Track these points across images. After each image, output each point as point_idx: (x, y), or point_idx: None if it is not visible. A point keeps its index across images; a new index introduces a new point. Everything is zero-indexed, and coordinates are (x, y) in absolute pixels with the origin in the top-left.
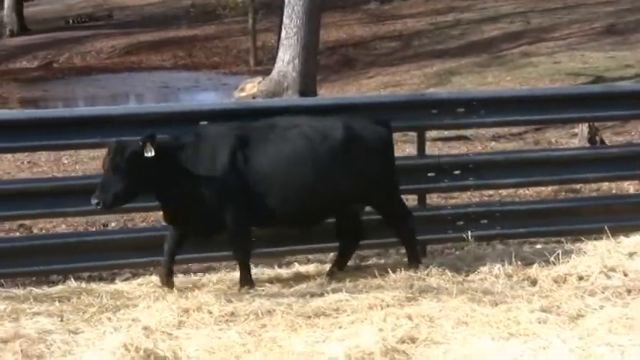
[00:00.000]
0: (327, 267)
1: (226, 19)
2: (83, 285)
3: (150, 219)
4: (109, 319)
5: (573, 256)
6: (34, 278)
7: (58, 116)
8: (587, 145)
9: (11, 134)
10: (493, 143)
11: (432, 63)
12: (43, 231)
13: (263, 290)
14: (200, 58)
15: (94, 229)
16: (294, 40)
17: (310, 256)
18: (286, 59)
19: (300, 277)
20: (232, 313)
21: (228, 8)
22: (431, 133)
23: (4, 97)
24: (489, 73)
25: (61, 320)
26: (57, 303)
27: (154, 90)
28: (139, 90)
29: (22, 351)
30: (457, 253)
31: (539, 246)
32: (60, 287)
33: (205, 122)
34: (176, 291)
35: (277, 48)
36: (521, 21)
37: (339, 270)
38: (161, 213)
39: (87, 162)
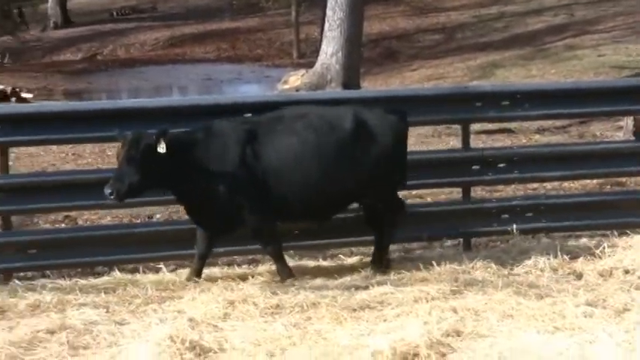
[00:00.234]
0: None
1: (269, 11)
2: (128, 276)
3: None
4: (155, 310)
5: (619, 249)
6: (79, 269)
7: (102, 108)
8: (632, 138)
9: (56, 126)
10: (537, 136)
11: (475, 56)
12: (88, 222)
13: (307, 283)
14: (243, 51)
15: (138, 221)
16: (338, 33)
17: (354, 249)
18: (329, 52)
19: (344, 270)
20: (277, 306)
21: (272, 0)
22: (474, 126)
23: (49, 88)
24: (533, 66)
25: (107, 311)
26: (103, 294)
27: (197, 82)
28: (182, 82)
29: (68, 342)
30: (502, 246)
31: (584, 239)
32: (105, 278)
33: (250, 115)
34: (221, 283)
35: (320, 40)
36: (566, 13)
37: (380, 261)
38: None
39: None
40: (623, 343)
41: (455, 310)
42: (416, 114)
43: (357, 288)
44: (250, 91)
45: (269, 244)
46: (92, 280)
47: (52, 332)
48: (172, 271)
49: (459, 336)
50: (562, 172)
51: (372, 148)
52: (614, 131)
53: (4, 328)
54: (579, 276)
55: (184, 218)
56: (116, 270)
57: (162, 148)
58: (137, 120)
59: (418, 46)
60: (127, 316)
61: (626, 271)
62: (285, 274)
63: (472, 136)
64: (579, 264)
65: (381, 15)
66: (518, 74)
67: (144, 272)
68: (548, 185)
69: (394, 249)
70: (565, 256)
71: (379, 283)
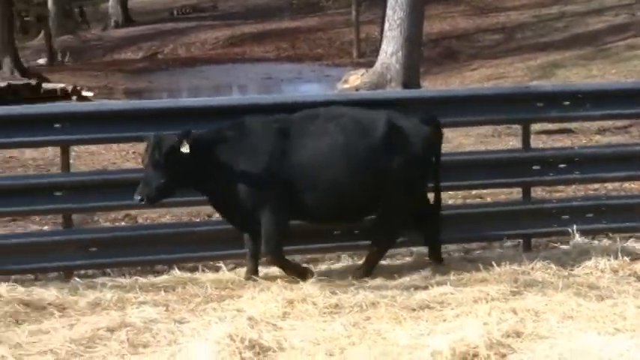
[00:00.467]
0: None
1: (329, 10)
2: (188, 275)
3: None
4: (214, 309)
5: None
6: (139, 268)
7: (162, 107)
8: None
9: (117, 124)
10: (598, 136)
11: (535, 56)
12: (148, 221)
13: (367, 282)
14: (303, 50)
15: (198, 220)
16: (398, 32)
17: (414, 249)
18: (389, 51)
19: (403, 270)
20: (336, 305)
21: (332, 0)
22: (534, 126)
23: (110, 87)
24: (594, 66)
25: (167, 310)
26: (162, 292)
27: (257, 81)
28: (242, 81)
29: (128, 340)
30: (562, 247)
31: None
32: (165, 277)
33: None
34: (280, 282)
35: (380, 40)
36: (627, 13)
37: (437, 260)
38: None
39: None
40: None
41: (515, 311)
42: (476, 114)
43: (417, 288)
44: (310, 90)
45: (270, 245)
46: (152, 279)
47: (111, 330)
48: (232, 269)
49: (518, 337)
50: (623, 172)
51: (400, 155)
52: None
53: (64, 325)
54: None
55: None
56: (176, 268)
57: (185, 149)
58: (196, 118)
59: (478, 46)
60: (186, 314)
61: None
62: (298, 272)
63: (532, 136)
64: None
65: (442, 14)
66: (579, 74)
67: (203, 271)
68: (609, 186)
69: (453, 249)
70: (626, 258)
71: (439, 283)
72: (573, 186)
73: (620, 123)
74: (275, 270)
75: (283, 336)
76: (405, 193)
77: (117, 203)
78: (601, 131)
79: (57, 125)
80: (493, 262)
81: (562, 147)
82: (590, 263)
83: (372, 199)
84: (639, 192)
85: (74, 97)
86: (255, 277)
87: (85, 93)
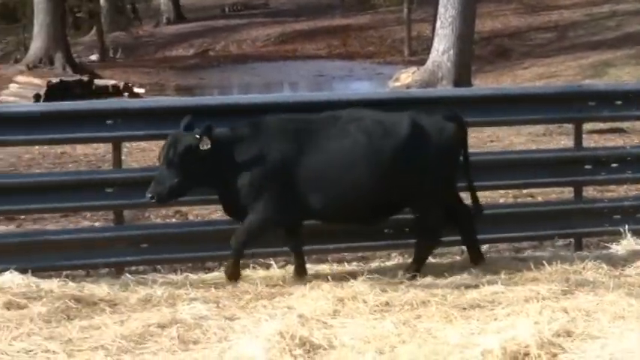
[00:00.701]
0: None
1: (381, 8)
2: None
3: None
4: (265, 306)
5: None
6: (190, 264)
7: (212, 104)
8: None
9: (168, 121)
10: None
11: (587, 54)
12: (199, 218)
13: (417, 281)
14: (354, 48)
15: None
16: (449, 30)
17: (465, 248)
18: (441, 49)
19: (454, 269)
20: (387, 303)
21: None
22: (586, 126)
23: (161, 84)
24: None
25: (217, 306)
26: (213, 289)
27: (309, 78)
28: (293, 78)
29: (178, 336)
30: (613, 246)
31: None
32: (216, 274)
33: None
34: (331, 280)
35: (432, 38)
36: None
37: (477, 261)
38: None
39: None
40: None
41: (566, 311)
42: (527, 112)
43: (467, 287)
44: (361, 87)
45: (241, 240)
46: (202, 275)
47: (162, 326)
48: (282, 267)
49: (569, 336)
50: None
51: (427, 153)
52: None
53: (115, 321)
54: None
55: None
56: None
57: (206, 145)
58: (247, 115)
59: (530, 44)
60: (236, 311)
61: None
62: (232, 273)
63: (584, 136)
64: None
65: (493, 13)
66: (631, 73)
67: (254, 268)
68: None
69: (504, 248)
70: None
71: (489, 282)
72: (625, 186)
73: None
74: (325, 267)
75: (333, 334)
76: (436, 191)
77: None
78: None
79: (109, 122)
80: (544, 262)
81: (614, 146)
82: None
83: (398, 200)
84: None
85: (126, 94)
86: (304, 275)
87: (136, 89)
